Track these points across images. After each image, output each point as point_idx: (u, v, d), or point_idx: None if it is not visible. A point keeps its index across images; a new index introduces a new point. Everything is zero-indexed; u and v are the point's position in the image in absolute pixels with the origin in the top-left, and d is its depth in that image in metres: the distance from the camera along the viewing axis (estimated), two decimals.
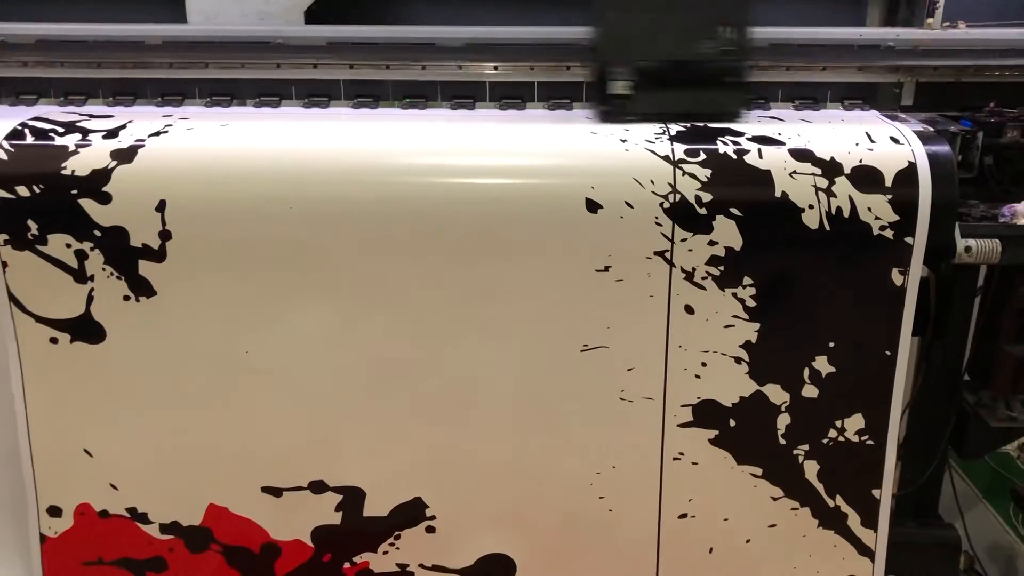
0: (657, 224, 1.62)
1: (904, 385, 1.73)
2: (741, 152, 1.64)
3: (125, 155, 1.64)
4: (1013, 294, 1.78)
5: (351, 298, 1.69)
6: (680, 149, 1.64)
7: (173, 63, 1.95)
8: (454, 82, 1.97)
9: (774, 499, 1.78)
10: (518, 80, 1.97)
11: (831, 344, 1.69)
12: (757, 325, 1.68)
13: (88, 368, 1.73)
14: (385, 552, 1.84)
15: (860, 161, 1.63)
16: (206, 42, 1.94)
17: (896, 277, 1.65)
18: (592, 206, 1.62)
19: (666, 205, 1.61)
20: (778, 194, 1.61)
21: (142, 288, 1.68)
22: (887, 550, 1.83)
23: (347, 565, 1.85)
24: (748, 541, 1.81)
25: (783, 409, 1.73)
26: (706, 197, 1.61)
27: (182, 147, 1.67)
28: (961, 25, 1.95)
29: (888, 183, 1.61)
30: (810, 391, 1.72)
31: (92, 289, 1.68)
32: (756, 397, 1.72)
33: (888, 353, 1.69)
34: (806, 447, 1.75)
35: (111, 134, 1.68)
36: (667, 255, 1.64)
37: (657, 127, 1.71)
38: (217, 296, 1.69)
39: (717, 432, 1.75)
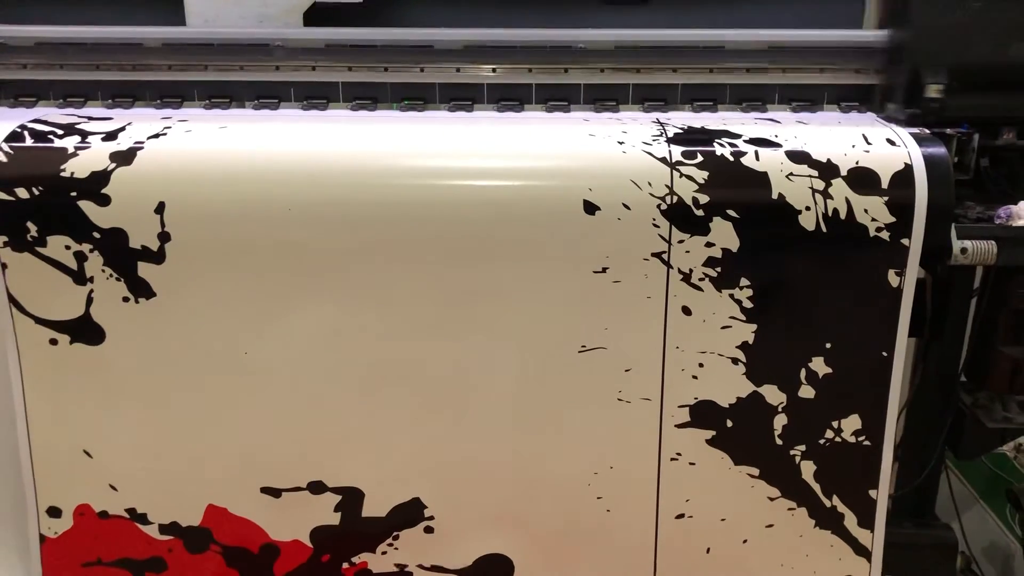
0: (654, 226, 1.63)
1: (901, 386, 1.73)
2: (738, 154, 1.65)
3: (124, 157, 1.64)
4: (1009, 295, 1.78)
5: (349, 299, 1.69)
6: (677, 151, 1.64)
7: (172, 65, 1.95)
8: (452, 84, 1.97)
9: (771, 499, 1.78)
10: (516, 82, 1.97)
11: (828, 345, 1.70)
12: (754, 326, 1.69)
13: (87, 369, 1.73)
14: (384, 552, 1.85)
15: (856, 163, 1.63)
16: (205, 44, 1.93)
17: (892, 278, 1.65)
18: (590, 208, 1.62)
19: (663, 207, 1.62)
20: (775, 196, 1.62)
21: (141, 290, 1.68)
22: (884, 550, 1.83)
23: (346, 565, 1.86)
24: (745, 541, 1.82)
25: (780, 410, 1.73)
26: (703, 199, 1.62)
27: (181, 149, 1.67)
28: None
29: (884, 185, 1.62)
30: (807, 392, 1.72)
31: (91, 291, 1.68)
32: (753, 398, 1.73)
33: (885, 354, 1.70)
34: (803, 448, 1.76)
35: (110, 136, 1.68)
36: (664, 256, 1.65)
37: (654, 129, 1.71)
38: (216, 297, 1.69)
39: (714, 432, 1.75)
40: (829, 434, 1.75)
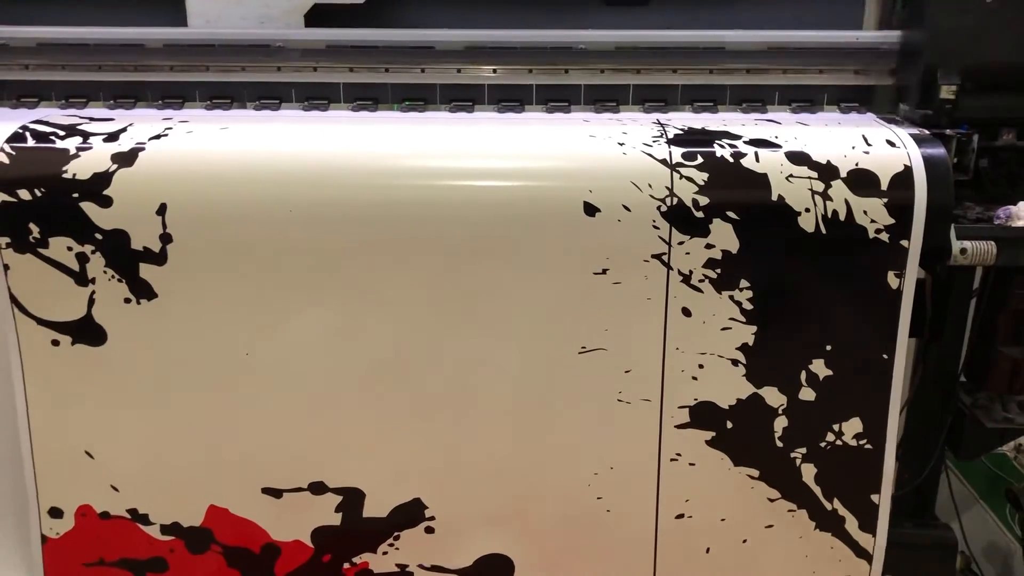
0: (654, 227, 1.63)
1: (901, 388, 1.73)
2: (738, 155, 1.65)
3: (126, 158, 1.65)
4: (1008, 296, 1.79)
5: (350, 300, 1.70)
6: (677, 152, 1.65)
7: (173, 66, 1.95)
8: (453, 85, 1.97)
9: (771, 500, 1.79)
10: (517, 83, 1.97)
11: (828, 347, 1.70)
12: (754, 328, 1.69)
13: (89, 370, 1.74)
14: (385, 552, 1.85)
15: (856, 164, 1.64)
16: (206, 45, 1.93)
17: (892, 280, 1.65)
18: (590, 209, 1.62)
19: (663, 208, 1.62)
20: (775, 197, 1.62)
21: (143, 291, 1.68)
22: (884, 550, 1.83)
23: (347, 565, 1.86)
24: (745, 542, 1.82)
25: (780, 412, 1.74)
26: (703, 200, 1.62)
27: (182, 150, 1.67)
28: None
29: (884, 186, 1.62)
30: (807, 394, 1.73)
31: (93, 292, 1.69)
32: (753, 399, 1.73)
33: (885, 356, 1.70)
34: (804, 450, 1.76)
35: (112, 137, 1.69)
36: (664, 258, 1.65)
37: (655, 130, 1.72)
38: (217, 298, 1.69)
39: (714, 434, 1.76)
40: (830, 437, 1.75)
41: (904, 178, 1.62)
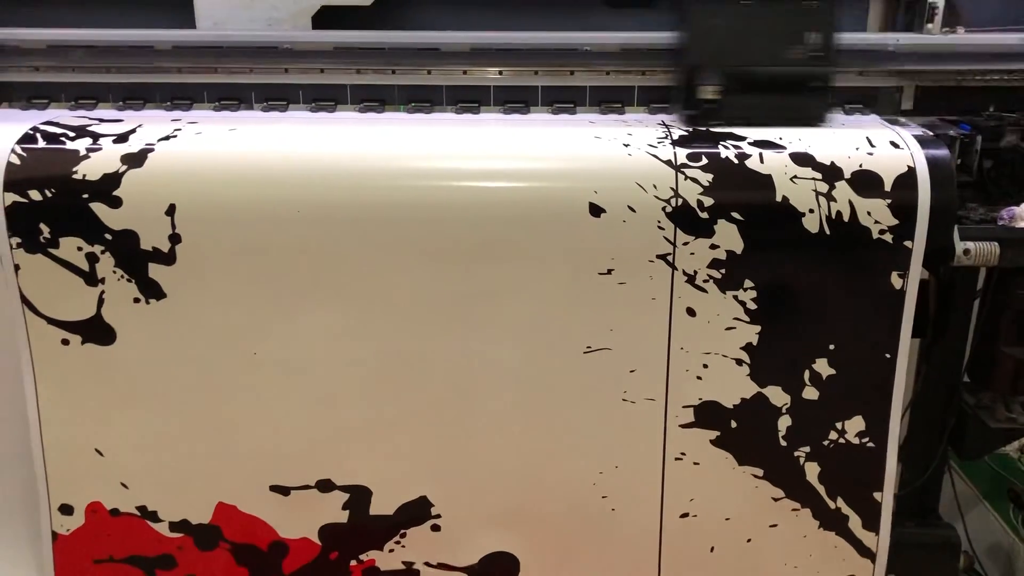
0: (659, 228, 1.64)
1: (904, 387, 1.74)
2: (742, 156, 1.66)
3: (135, 159, 1.66)
4: (1011, 296, 1.79)
5: (357, 300, 1.71)
6: (682, 153, 1.66)
7: (182, 68, 1.96)
8: (459, 86, 1.98)
9: (775, 500, 1.79)
10: (522, 84, 1.98)
11: (831, 346, 1.71)
12: (758, 327, 1.70)
13: (99, 369, 1.75)
14: (391, 550, 1.86)
15: (860, 166, 1.64)
16: (215, 47, 1.94)
17: (895, 280, 1.66)
18: (595, 210, 1.63)
19: (668, 209, 1.63)
20: (779, 198, 1.63)
21: (152, 290, 1.69)
22: (887, 550, 1.84)
23: (354, 563, 1.87)
24: (749, 541, 1.83)
25: (784, 411, 1.75)
26: (708, 201, 1.63)
27: (191, 151, 1.68)
28: (960, 30, 1.97)
29: (888, 187, 1.63)
30: (811, 393, 1.73)
31: (103, 292, 1.70)
32: (757, 399, 1.74)
33: (888, 355, 1.71)
34: (807, 449, 1.77)
35: (121, 138, 1.70)
36: (669, 258, 1.66)
37: (660, 131, 1.73)
38: (225, 298, 1.70)
39: (718, 433, 1.76)
40: (833, 435, 1.76)
41: (908, 179, 1.63)
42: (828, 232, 1.63)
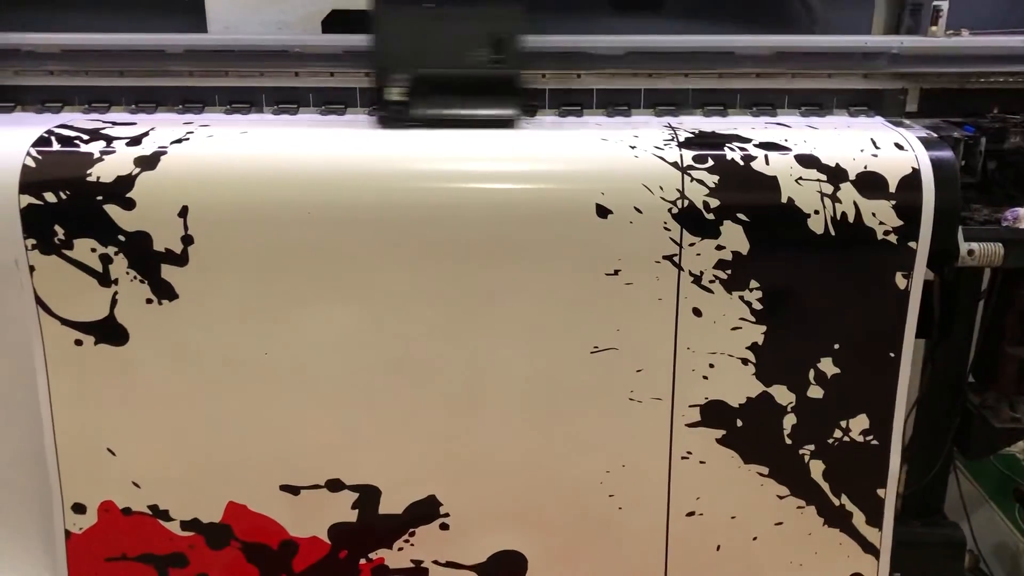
0: (666, 229, 1.65)
1: (908, 386, 1.75)
2: (748, 158, 1.67)
3: (148, 162, 1.67)
4: (1016, 296, 1.80)
5: (367, 301, 1.72)
6: (688, 155, 1.67)
7: (194, 72, 1.98)
8: None
9: (780, 498, 1.80)
10: (530, 87, 1.98)
11: (836, 346, 1.72)
12: (764, 327, 1.71)
13: (111, 369, 1.76)
14: (400, 549, 1.87)
15: (865, 167, 1.65)
16: (226, 51, 1.96)
17: (900, 280, 1.67)
18: (602, 211, 1.65)
19: (674, 210, 1.64)
20: (784, 200, 1.64)
21: (164, 291, 1.71)
22: (893, 548, 1.85)
23: (363, 561, 1.88)
24: (755, 539, 1.84)
25: (789, 410, 1.76)
26: (714, 203, 1.64)
27: (203, 154, 1.70)
28: (964, 33, 1.98)
29: (892, 189, 1.64)
30: (816, 392, 1.74)
31: (116, 292, 1.71)
32: (762, 398, 1.75)
33: (892, 355, 1.72)
34: (812, 447, 1.78)
35: (134, 141, 1.71)
36: (675, 259, 1.67)
37: (666, 133, 1.74)
38: (237, 299, 1.72)
39: (724, 432, 1.77)
40: (837, 433, 1.77)
41: (912, 180, 1.64)
42: (833, 233, 1.64)
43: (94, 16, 2.01)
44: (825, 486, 1.80)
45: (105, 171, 1.67)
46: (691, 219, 1.65)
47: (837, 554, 1.84)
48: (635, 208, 1.64)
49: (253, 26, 1.98)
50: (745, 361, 1.73)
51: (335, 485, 1.83)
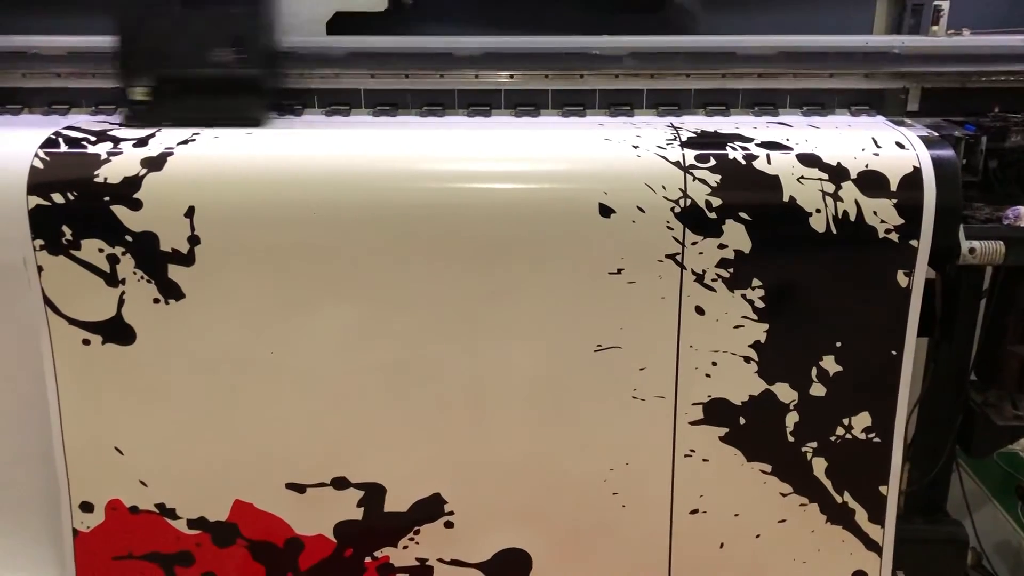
0: (668, 228, 1.66)
1: (910, 384, 1.76)
2: (750, 157, 1.68)
3: (155, 163, 1.69)
4: (1017, 295, 1.81)
5: (372, 300, 1.73)
6: (690, 155, 1.68)
7: None
8: (471, 90, 2.00)
9: (783, 495, 1.81)
10: (533, 88, 2.01)
11: (838, 344, 1.73)
12: (766, 325, 1.72)
13: (119, 369, 1.77)
14: (405, 547, 1.88)
15: (866, 166, 1.66)
16: None
17: (901, 279, 1.68)
18: (605, 211, 1.66)
19: (677, 210, 1.65)
20: (786, 199, 1.65)
21: (171, 291, 1.72)
22: (896, 545, 1.86)
23: (368, 559, 1.89)
24: (758, 536, 1.85)
25: (791, 407, 1.76)
26: (716, 202, 1.65)
27: (209, 155, 1.71)
28: (965, 32, 1.98)
29: (893, 187, 1.65)
30: (818, 390, 1.75)
31: (123, 292, 1.73)
32: (765, 396, 1.76)
33: (894, 353, 1.72)
34: (814, 444, 1.78)
35: (141, 142, 1.73)
36: (678, 258, 1.68)
37: (668, 133, 1.75)
38: (243, 298, 1.73)
39: (727, 430, 1.78)
40: (840, 431, 1.78)
41: (913, 179, 1.65)
42: (835, 232, 1.65)
43: (101, 19, 2.01)
44: (827, 483, 1.80)
45: (112, 172, 1.68)
46: (693, 218, 1.66)
47: (840, 551, 1.84)
48: (638, 207, 1.65)
49: None
50: (748, 359, 1.74)
51: (341, 483, 1.84)
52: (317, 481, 1.84)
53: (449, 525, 1.86)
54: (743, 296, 1.70)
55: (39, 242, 1.69)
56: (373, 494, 1.85)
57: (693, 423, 1.78)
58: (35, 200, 1.67)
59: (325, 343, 1.76)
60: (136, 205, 1.67)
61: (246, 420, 1.81)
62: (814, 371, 1.74)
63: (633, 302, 1.71)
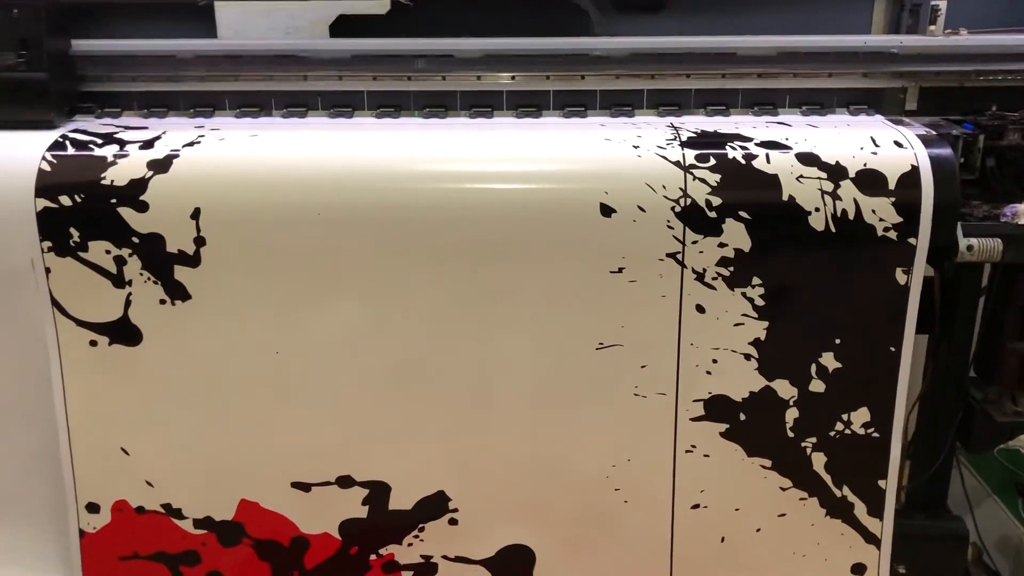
0: (669, 227, 1.68)
1: (908, 380, 1.77)
2: (749, 157, 1.69)
3: (161, 165, 1.70)
4: (1015, 292, 1.82)
5: (376, 300, 1.75)
6: (691, 155, 1.69)
7: (204, 76, 1.99)
8: (473, 92, 2.01)
9: (783, 490, 1.82)
10: (534, 89, 2.01)
11: (837, 341, 1.74)
12: (766, 323, 1.73)
13: (125, 370, 1.79)
14: (410, 544, 1.89)
15: (865, 165, 1.68)
16: (236, 56, 1.98)
17: (900, 276, 1.69)
18: (606, 210, 1.67)
19: (677, 209, 1.67)
20: (785, 197, 1.67)
21: (177, 292, 1.74)
22: (896, 541, 1.87)
23: (373, 557, 1.90)
24: (758, 530, 1.86)
25: (791, 403, 1.78)
26: (716, 201, 1.67)
27: (215, 157, 1.73)
28: (963, 32, 1.99)
29: (892, 186, 1.66)
30: (817, 386, 1.77)
31: (130, 294, 1.74)
32: (765, 392, 1.77)
33: (893, 349, 1.74)
34: (814, 440, 1.80)
35: (147, 145, 1.74)
36: (679, 257, 1.69)
37: (668, 133, 1.76)
38: (248, 299, 1.75)
39: (728, 426, 1.80)
40: (839, 426, 1.79)
41: (911, 178, 1.66)
42: (834, 230, 1.67)
43: (106, 23, 2.03)
44: (827, 478, 1.82)
45: (119, 174, 1.70)
46: (694, 217, 1.67)
47: (839, 544, 1.86)
48: (639, 207, 1.67)
49: (262, 31, 1.99)
50: (748, 356, 1.75)
51: (345, 482, 1.85)
52: (322, 480, 1.85)
53: (453, 522, 1.87)
54: (743, 294, 1.72)
55: (47, 244, 1.71)
56: (378, 492, 1.86)
57: (694, 419, 1.80)
58: (43, 202, 1.69)
59: (330, 343, 1.77)
60: (143, 207, 1.69)
61: (252, 420, 1.82)
62: (813, 368, 1.76)
63: (634, 300, 1.72)
